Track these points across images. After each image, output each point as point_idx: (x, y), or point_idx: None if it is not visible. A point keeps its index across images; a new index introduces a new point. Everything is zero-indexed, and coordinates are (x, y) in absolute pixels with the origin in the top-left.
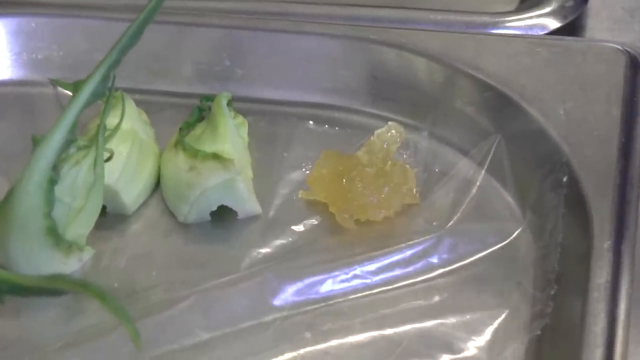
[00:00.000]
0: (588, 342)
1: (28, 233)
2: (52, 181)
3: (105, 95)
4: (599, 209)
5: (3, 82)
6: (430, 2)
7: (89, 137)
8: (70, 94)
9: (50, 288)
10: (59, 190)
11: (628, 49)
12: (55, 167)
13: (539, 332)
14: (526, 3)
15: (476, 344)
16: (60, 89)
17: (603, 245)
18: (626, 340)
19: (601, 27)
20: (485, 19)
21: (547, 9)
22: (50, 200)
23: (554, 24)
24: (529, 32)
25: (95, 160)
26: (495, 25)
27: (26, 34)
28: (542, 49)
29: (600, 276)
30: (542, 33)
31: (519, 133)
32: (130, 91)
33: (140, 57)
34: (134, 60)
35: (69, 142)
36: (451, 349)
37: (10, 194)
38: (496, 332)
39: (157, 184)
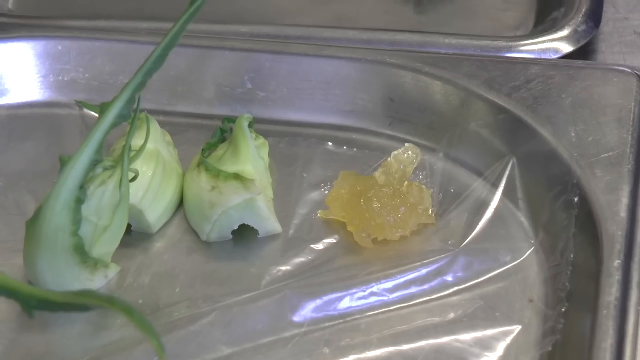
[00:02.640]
0: (598, 358)
1: (56, 251)
2: (80, 200)
3: (130, 117)
4: (608, 229)
5: (31, 103)
6: (446, 27)
7: (115, 157)
8: (96, 115)
9: (78, 304)
10: (85, 209)
11: (638, 73)
12: (83, 187)
13: (550, 349)
14: (540, 28)
15: (489, 358)
16: (86, 110)
17: (613, 264)
18: (634, 356)
19: (613, 51)
20: (500, 43)
21: (560, 34)
22: (77, 219)
23: (567, 48)
24: (543, 56)
25: (121, 180)
26: (510, 49)
27: (53, 56)
28: (555, 72)
29: (610, 294)
30: (555, 57)
31: (532, 155)
32: (154, 113)
33: (164, 80)
34: (158, 82)
35: (95, 163)
36: None
37: (38, 212)
38: (509, 348)
39: (180, 204)
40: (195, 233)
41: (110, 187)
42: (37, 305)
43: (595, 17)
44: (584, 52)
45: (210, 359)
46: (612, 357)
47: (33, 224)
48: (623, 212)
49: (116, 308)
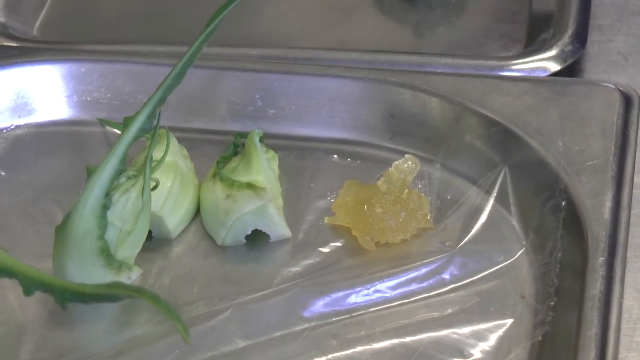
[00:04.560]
0: (583, 346)
1: (84, 253)
2: (105, 207)
3: (151, 130)
4: (593, 230)
5: (56, 121)
6: (442, 48)
7: (137, 167)
8: (117, 131)
9: (108, 294)
10: (111, 215)
11: (621, 89)
12: (108, 194)
13: (540, 338)
14: (529, 48)
15: (484, 349)
16: (107, 127)
17: (597, 261)
18: (617, 344)
19: (598, 70)
20: (492, 62)
21: (549, 54)
22: (103, 224)
23: (554, 66)
24: (532, 74)
25: (143, 188)
26: (501, 68)
27: (76, 78)
28: (544, 88)
29: (595, 288)
30: (544, 75)
31: (522, 164)
32: (172, 129)
33: (180, 99)
34: (175, 101)
35: (119, 172)
36: (462, 354)
37: (67, 218)
38: (502, 339)
39: (197, 211)
40: (211, 238)
41: (134, 195)
42: (70, 297)
43: (581, 38)
44: (570, 70)
45: (226, 351)
46: (597, 345)
47: (62, 229)
48: (606, 214)
49: (144, 297)
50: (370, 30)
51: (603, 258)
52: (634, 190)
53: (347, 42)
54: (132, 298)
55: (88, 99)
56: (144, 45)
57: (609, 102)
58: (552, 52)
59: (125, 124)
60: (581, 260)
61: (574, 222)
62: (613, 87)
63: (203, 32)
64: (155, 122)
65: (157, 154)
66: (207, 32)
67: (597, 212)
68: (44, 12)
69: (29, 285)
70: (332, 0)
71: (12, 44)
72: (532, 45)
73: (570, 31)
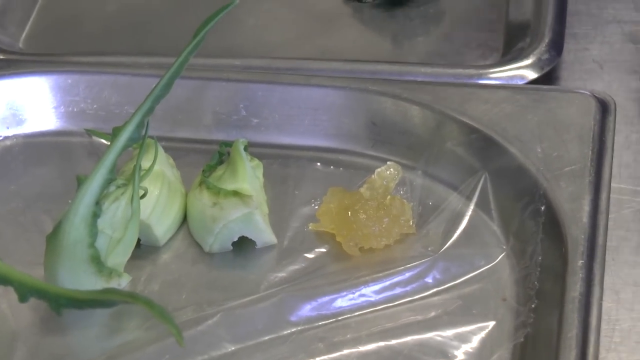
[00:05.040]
0: (564, 347)
1: (75, 261)
2: (96, 215)
3: (140, 139)
4: (572, 234)
5: (44, 132)
6: (421, 58)
7: (125, 177)
8: (104, 141)
9: (102, 300)
10: (101, 223)
11: (597, 95)
12: (98, 203)
13: (522, 340)
14: (507, 57)
15: (467, 351)
16: (94, 137)
17: (576, 264)
18: (597, 345)
19: (574, 77)
20: (471, 71)
21: (526, 62)
22: (93, 232)
23: (532, 74)
24: (510, 82)
25: (132, 197)
26: (480, 76)
27: (63, 89)
28: (522, 96)
29: (575, 290)
30: (522, 83)
31: (502, 169)
32: (158, 138)
33: (165, 109)
34: (161, 111)
35: (109, 181)
36: (446, 356)
37: (58, 227)
38: (484, 340)
39: (184, 219)
40: (198, 245)
41: (123, 203)
42: (65, 303)
43: (557, 47)
44: (547, 78)
45: (216, 355)
46: (577, 346)
47: (53, 237)
48: (585, 218)
49: (138, 302)
50: (350, 40)
51: (582, 261)
52: (611, 195)
53: (327, 52)
54: (124, 304)
55: (75, 109)
56: (129, 57)
57: (586, 109)
58: (529, 61)
59: (114, 134)
60: (561, 263)
61: (553, 226)
62: (589, 94)
63: (190, 44)
64: (143, 132)
65: (145, 163)
66: (194, 43)
67: (575, 216)
68: (29, 24)
69: (24, 292)
70: (312, 11)
71: None
72: (509, 54)
73: (546, 40)
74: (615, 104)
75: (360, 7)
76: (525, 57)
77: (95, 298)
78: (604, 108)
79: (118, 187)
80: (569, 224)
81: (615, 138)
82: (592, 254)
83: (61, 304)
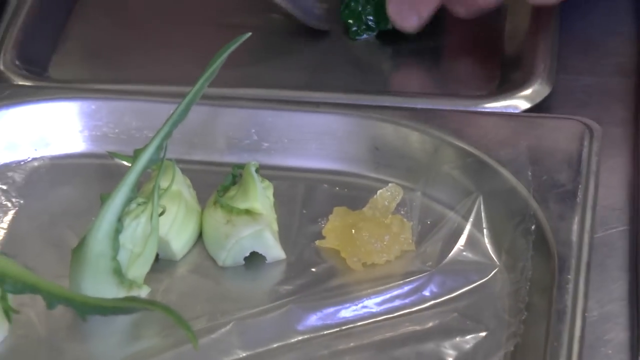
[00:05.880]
0: (551, 356)
1: (98, 273)
2: (118, 230)
3: (159, 161)
4: (560, 251)
5: (70, 154)
6: (421, 89)
7: (145, 195)
8: (125, 163)
9: (125, 307)
10: (122, 238)
11: (584, 122)
12: (120, 220)
13: (512, 349)
14: (501, 88)
15: (462, 358)
16: (116, 159)
17: (563, 279)
18: (580, 353)
19: (564, 105)
20: (467, 101)
21: (519, 94)
22: (116, 246)
23: (524, 105)
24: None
25: (152, 214)
26: (476, 106)
27: (87, 114)
28: (514, 123)
29: (561, 303)
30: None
31: (495, 191)
32: (176, 161)
33: (182, 133)
34: (178, 135)
35: (130, 199)
36: None
37: (82, 241)
38: (477, 349)
39: (200, 235)
40: (212, 259)
41: (143, 220)
42: (89, 310)
43: (549, 79)
44: (539, 108)
45: None
46: (562, 355)
47: (78, 251)
48: (572, 237)
49: (157, 308)
50: (351, 74)
51: (569, 276)
52: (598, 215)
53: (328, 85)
54: (145, 312)
55: (98, 133)
56: (148, 85)
57: (574, 135)
58: (522, 92)
59: (135, 156)
60: (549, 278)
61: (542, 244)
62: (577, 121)
63: (205, 72)
64: (162, 154)
65: (163, 183)
66: (210, 72)
67: (563, 234)
68: (56, 54)
69: (52, 300)
70: (311, 47)
71: (28, 83)
72: (503, 85)
73: (539, 73)
74: (601, 130)
75: (363, 44)
76: (519, 88)
77: (118, 305)
78: (591, 134)
79: (138, 205)
80: (557, 242)
81: (603, 163)
82: (578, 269)
83: (86, 311)
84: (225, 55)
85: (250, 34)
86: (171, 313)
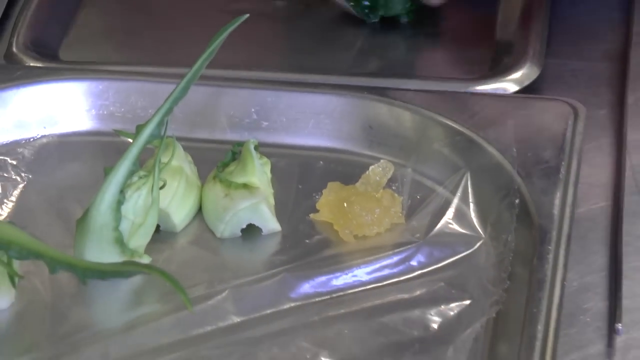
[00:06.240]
0: (530, 321)
1: (101, 242)
2: (120, 202)
3: (160, 136)
4: (542, 224)
5: (77, 132)
6: (415, 72)
7: (147, 169)
8: (130, 140)
9: (123, 271)
10: (124, 209)
11: (570, 102)
12: (122, 191)
13: (494, 315)
14: (492, 72)
15: (445, 324)
16: (122, 137)
17: (544, 250)
18: (558, 320)
19: (552, 88)
20: (459, 84)
21: (509, 77)
22: (118, 217)
23: (513, 87)
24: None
25: (152, 187)
26: (466, 88)
27: (95, 94)
28: (502, 103)
29: (541, 272)
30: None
31: (482, 167)
32: (179, 139)
33: (186, 113)
34: (182, 115)
35: (132, 172)
36: (427, 329)
37: (86, 212)
38: (461, 315)
39: (199, 209)
40: (211, 231)
41: (144, 192)
42: (89, 274)
43: (538, 63)
44: (529, 91)
45: (223, 326)
46: (541, 321)
47: (82, 221)
48: (554, 210)
49: (153, 272)
50: (349, 58)
51: (550, 247)
52: (581, 192)
53: (327, 68)
54: (145, 280)
55: (105, 112)
56: (153, 67)
57: (559, 115)
58: (511, 76)
59: (137, 131)
60: (531, 249)
61: (526, 217)
62: (563, 101)
63: (204, 52)
64: (163, 130)
65: (165, 159)
66: (209, 52)
67: (546, 208)
68: (67, 37)
69: (54, 265)
70: (312, 31)
71: (39, 65)
72: (494, 69)
73: (528, 57)
74: (585, 110)
75: (359, 30)
76: (508, 72)
77: (116, 269)
78: (576, 114)
79: (140, 177)
80: (539, 215)
81: (588, 143)
82: (558, 241)
83: (86, 275)
84: (223, 37)
85: (247, 15)
86: (166, 276)
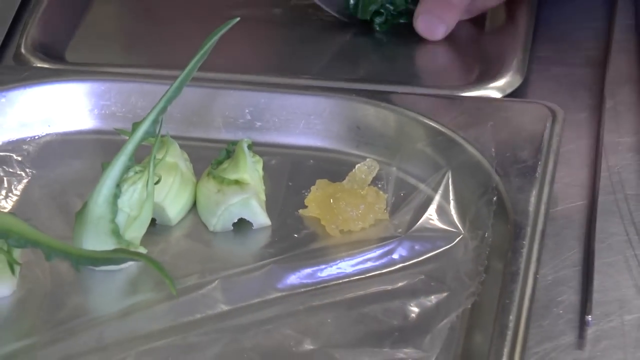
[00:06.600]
0: (503, 312)
1: (98, 234)
2: (116, 195)
3: (155, 134)
4: (517, 220)
5: (80, 131)
6: (403, 78)
7: (143, 164)
8: None
9: (114, 258)
10: (120, 202)
11: (548, 105)
12: (119, 185)
13: (469, 306)
14: (477, 80)
15: (423, 314)
16: (122, 135)
17: (518, 244)
18: (530, 310)
19: (535, 93)
20: (444, 91)
21: (492, 84)
22: (114, 210)
23: (496, 95)
24: None
25: (147, 181)
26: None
27: (97, 95)
28: (483, 106)
29: (515, 265)
30: None
31: (463, 166)
32: (176, 137)
33: (183, 113)
34: (178, 115)
35: (128, 167)
36: (405, 318)
37: (85, 205)
38: (439, 306)
39: (194, 204)
40: (204, 225)
41: (139, 186)
42: (83, 261)
43: (520, 71)
44: (512, 96)
45: (212, 314)
46: (513, 311)
47: (80, 214)
48: (530, 207)
49: (142, 258)
50: (340, 63)
51: (524, 242)
52: (558, 191)
53: (317, 72)
54: (140, 269)
55: (107, 112)
56: (153, 69)
57: (538, 117)
58: (494, 84)
59: (133, 128)
60: (507, 244)
61: (502, 214)
62: (541, 104)
63: (197, 54)
64: (158, 128)
65: (160, 156)
66: (202, 53)
67: (521, 205)
68: (72, 39)
69: (50, 252)
70: (303, 35)
71: (46, 66)
72: (479, 77)
73: (510, 66)
74: (563, 113)
75: (352, 37)
76: (492, 80)
77: (108, 257)
78: (554, 116)
79: (136, 172)
80: (515, 211)
81: (568, 145)
82: (532, 236)
83: (80, 262)
84: (215, 39)
85: (238, 19)
86: (153, 262)
